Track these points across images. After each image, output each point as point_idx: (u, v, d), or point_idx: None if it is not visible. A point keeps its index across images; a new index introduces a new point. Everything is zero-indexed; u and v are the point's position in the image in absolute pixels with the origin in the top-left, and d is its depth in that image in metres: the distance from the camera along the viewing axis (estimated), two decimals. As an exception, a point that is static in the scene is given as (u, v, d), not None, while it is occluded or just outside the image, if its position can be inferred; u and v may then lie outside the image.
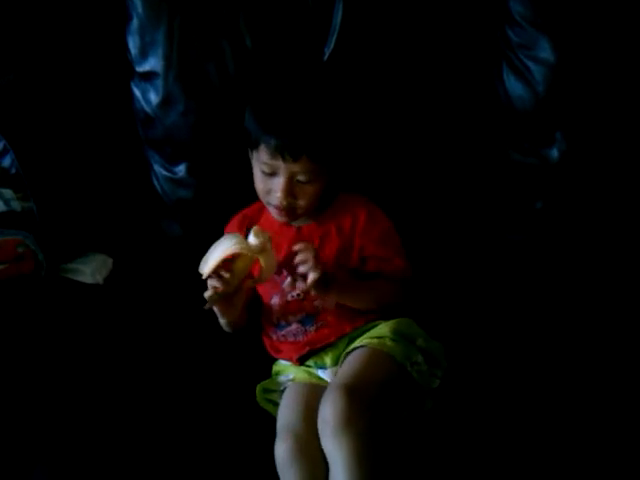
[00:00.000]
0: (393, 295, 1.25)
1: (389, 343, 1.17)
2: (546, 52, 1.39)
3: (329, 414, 1.06)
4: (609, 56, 1.39)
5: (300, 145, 1.16)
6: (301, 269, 1.15)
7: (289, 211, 1.21)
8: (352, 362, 1.16)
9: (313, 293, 1.17)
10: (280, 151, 1.16)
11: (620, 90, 1.41)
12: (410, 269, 1.27)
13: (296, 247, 1.17)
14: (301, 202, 1.20)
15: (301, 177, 1.18)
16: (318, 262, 1.14)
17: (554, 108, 1.42)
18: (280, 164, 1.17)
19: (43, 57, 1.42)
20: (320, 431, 1.08)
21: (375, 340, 1.17)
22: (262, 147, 1.19)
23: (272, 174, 1.20)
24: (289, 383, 1.22)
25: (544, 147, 1.45)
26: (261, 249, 1.15)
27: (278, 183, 1.19)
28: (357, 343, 1.19)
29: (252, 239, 1.15)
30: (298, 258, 1.15)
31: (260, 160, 1.20)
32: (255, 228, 1.17)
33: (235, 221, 1.33)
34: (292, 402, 1.17)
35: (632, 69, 1.39)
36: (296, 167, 1.17)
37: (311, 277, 1.14)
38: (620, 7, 1.37)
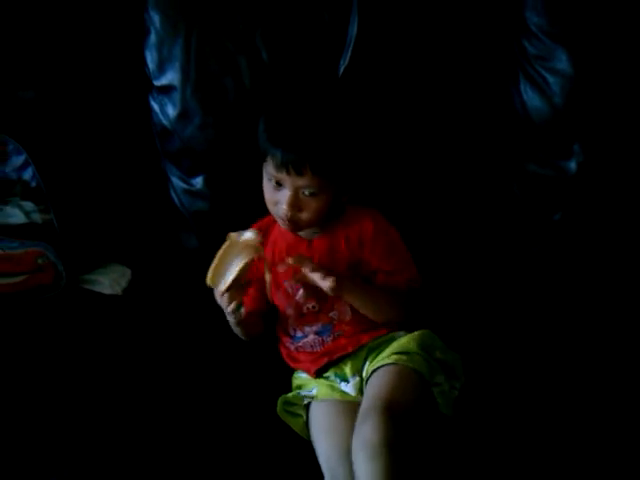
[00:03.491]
0: (400, 306, 1.24)
1: (417, 360, 1.16)
2: (563, 63, 1.38)
3: (371, 436, 1.05)
4: (627, 67, 1.38)
5: (304, 160, 1.16)
6: (318, 282, 1.17)
7: (293, 223, 1.21)
8: (385, 380, 1.14)
9: (332, 293, 1.18)
10: (285, 165, 1.17)
11: (638, 101, 1.39)
12: (418, 280, 1.26)
13: (290, 260, 1.19)
14: (305, 215, 1.20)
15: (306, 191, 1.19)
16: (322, 269, 1.17)
17: (572, 120, 1.41)
18: (285, 177, 1.18)
19: (62, 72, 1.44)
20: (357, 451, 1.06)
21: (404, 357, 1.16)
22: (269, 159, 1.20)
23: (279, 186, 1.20)
24: (314, 402, 1.20)
25: (562, 159, 1.44)
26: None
27: (284, 195, 1.19)
28: (385, 359, 1.17)
29: (250, 234, 1.17)
30: (305, 271, 1.17)
31: (268, 172, 1.21)
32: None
33: (250, 233, 1.34)
34: (325, 434, 1.15)
35: (651, 80, 1.38)
36: (301, 181, 1.18)
37: (328, 285, 1.16)
38: (637, 18, 1.36)
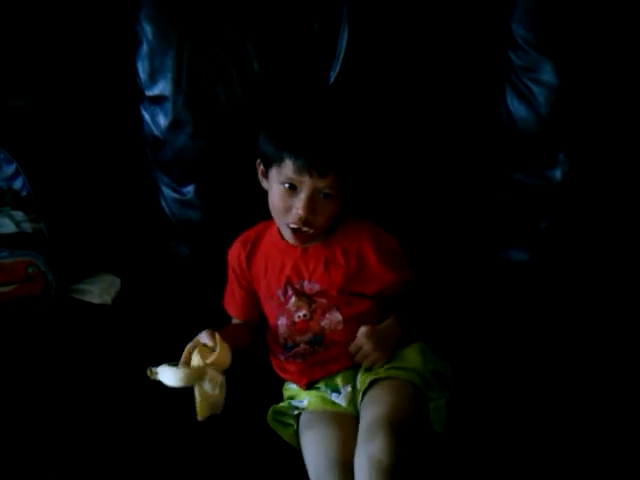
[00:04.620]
0: (421, 306, 1.29)
1: (414, 374, 1.17)
2: (548, 75, 1.40)
3: (379, 457, 1.05)
4: (611, 78, 1.40)
5: (329, 162, 1.17)
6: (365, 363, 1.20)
7: (306, 226, 1.21)
8: (387, 395, 1.15)
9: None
10: (308, 168, 1.17)
11: (623, 111, 1.41)
12: (413, 277, 1.30)
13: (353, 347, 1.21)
14: (319, 218, 1.20)
15: (324, 192, 1.19)
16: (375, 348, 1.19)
17: (557, 130, 1.43)
18: (306, 179, 1.18)
19: (54, 81, 1.44)
20: (362, 469, 1.06)
21: (402, 371, 1.17)
22: (287, 164, 1.19)
23: (294, 190, 1.19)
24: (304, 413, 1.20)
25: (547, 168, 1.46)
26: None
27: (300, 199, 1.19)
28: (382, 372, 1.18)
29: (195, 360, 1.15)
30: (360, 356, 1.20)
31: (283, 175, 1.20)
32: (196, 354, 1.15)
33: (238, 242, 1.34)
34: (314, 443, 1.15)
35: (634, 91, 1.40)
36: (321, 182, 1.18)
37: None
38: (622, 30, 1.38)
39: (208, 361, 1.14)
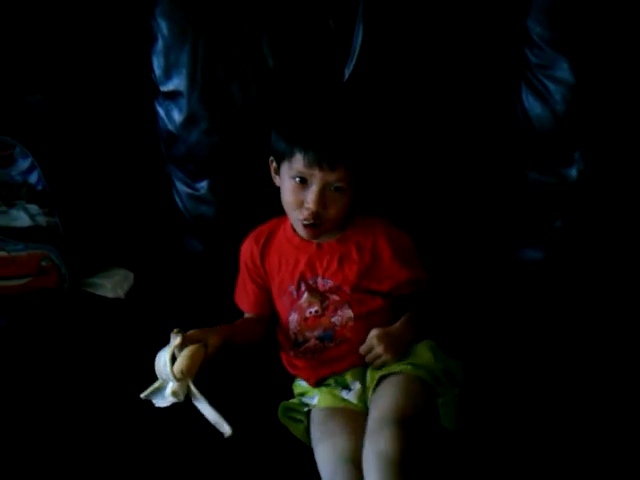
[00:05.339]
0: (433, 308, 1.28)
1: (423, 371, 1.17)
2: (564, 72, 1.40)
3: (386, 448, 1.05)
4: (627, 76, 1.39)
5: (338, 155, 1.18)
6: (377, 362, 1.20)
7: (317, 220, 1.21)
8: (396, 390, 1.14)
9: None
10: (318, 162, 1.18)
11: (639, 109, 1.40)
12: (426, 281, 1.30)
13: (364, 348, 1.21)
14: (331, 212, 1.21)
15: (333, 186, 1.20)
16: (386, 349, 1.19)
17: (573, 128, 1.42)
18: (316, 173, 1.19)
19: (70, 77, 1.45)
20: (370, 462, 1.06)
21: (411, 367, 1.17)
22: (297, 158, 1.19)
23: (305, 184, 1.20)
24: (315, 410, 1.21)
25: (563, 166, 1.45)
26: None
27: (311, 192, 1.20)
28: (392, 367, 1.18)
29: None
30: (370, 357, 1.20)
31: (294, 169, 1.21)
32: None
33: (251, 238, 1.34)
34: (325, 439, 1.14)
35: (651, 89, 1.40)
36: (332, 176, 1.19)
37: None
38: (638, 27, 1.37)
39: (174, 368, 1.11)
